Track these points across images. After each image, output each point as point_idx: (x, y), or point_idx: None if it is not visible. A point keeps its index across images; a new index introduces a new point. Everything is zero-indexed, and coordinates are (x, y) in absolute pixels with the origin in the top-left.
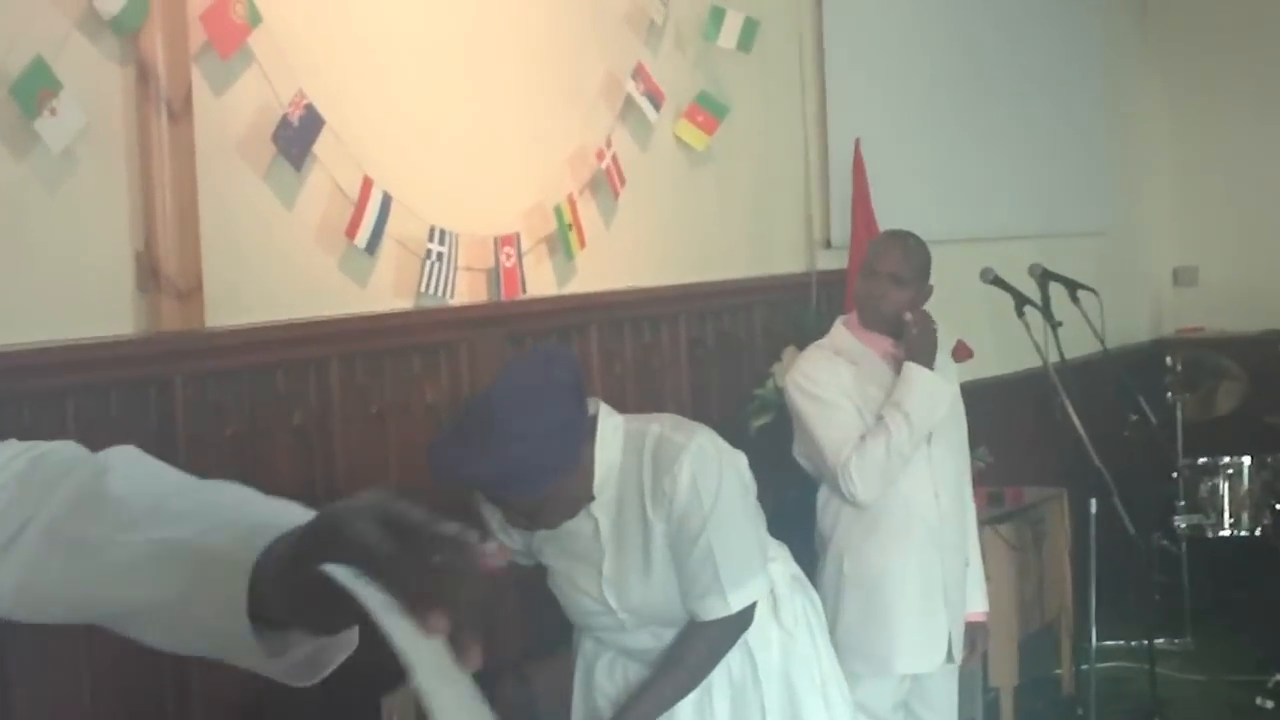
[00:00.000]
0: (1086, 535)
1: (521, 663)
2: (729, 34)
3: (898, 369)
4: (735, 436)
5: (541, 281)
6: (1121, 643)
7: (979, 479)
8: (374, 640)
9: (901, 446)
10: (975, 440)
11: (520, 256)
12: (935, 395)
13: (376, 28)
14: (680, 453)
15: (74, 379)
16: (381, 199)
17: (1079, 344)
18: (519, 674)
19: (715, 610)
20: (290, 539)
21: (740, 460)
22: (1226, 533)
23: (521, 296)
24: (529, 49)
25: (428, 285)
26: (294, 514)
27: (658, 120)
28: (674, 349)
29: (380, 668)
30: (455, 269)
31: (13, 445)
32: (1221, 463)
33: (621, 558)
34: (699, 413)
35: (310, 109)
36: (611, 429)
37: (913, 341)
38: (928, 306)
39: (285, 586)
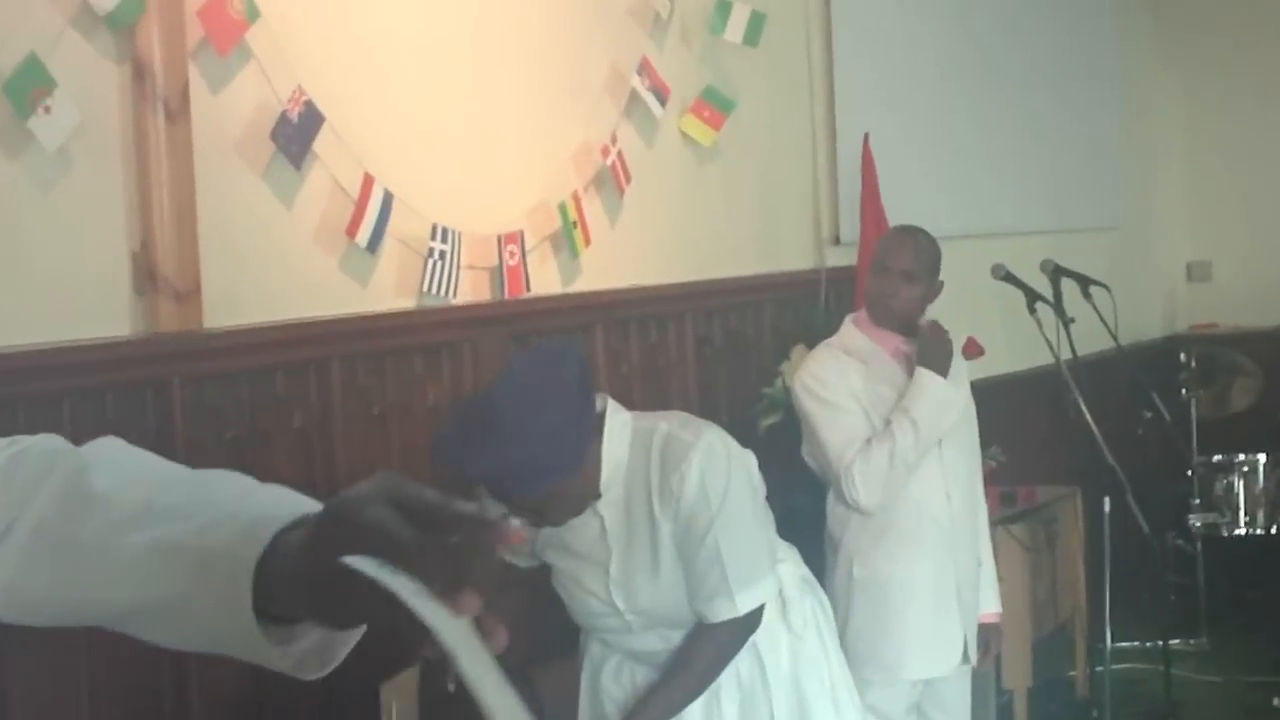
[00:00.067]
0: (1100, 535)
1: (527, 666)
2: (735, 27)
3: (908, 367)
4: (744, 436)
5: (546, 280)
6: (1136, 644)
7: (991, 478)
8: (372, 630)
9: (906, 454)
10: (987, 439)
11: (524, 255)
12: (945, 404)
13: (377, 22)
14: (689, 450)
15: (70, 382)
16: (383, 197)
17: (1092, 340)
18: (524, 678)
19: (722, 612)
20: (299, 533)
21: (749, 460)
22: (1242, 531)
23: (526, 295)
24: (532, 43)
25: (430, 284)
26: (290, 503)
27: (663, 116)
28: (681, 348)
29: (379, 657)
30: (458, 268)
31: None
32: (1237, 460)
33: (629, 557)
34: (707, 413)
35: (310, 106)
36: (619, 426)
37: (927, 347)
38: (939, 302)
39: (299, 582)
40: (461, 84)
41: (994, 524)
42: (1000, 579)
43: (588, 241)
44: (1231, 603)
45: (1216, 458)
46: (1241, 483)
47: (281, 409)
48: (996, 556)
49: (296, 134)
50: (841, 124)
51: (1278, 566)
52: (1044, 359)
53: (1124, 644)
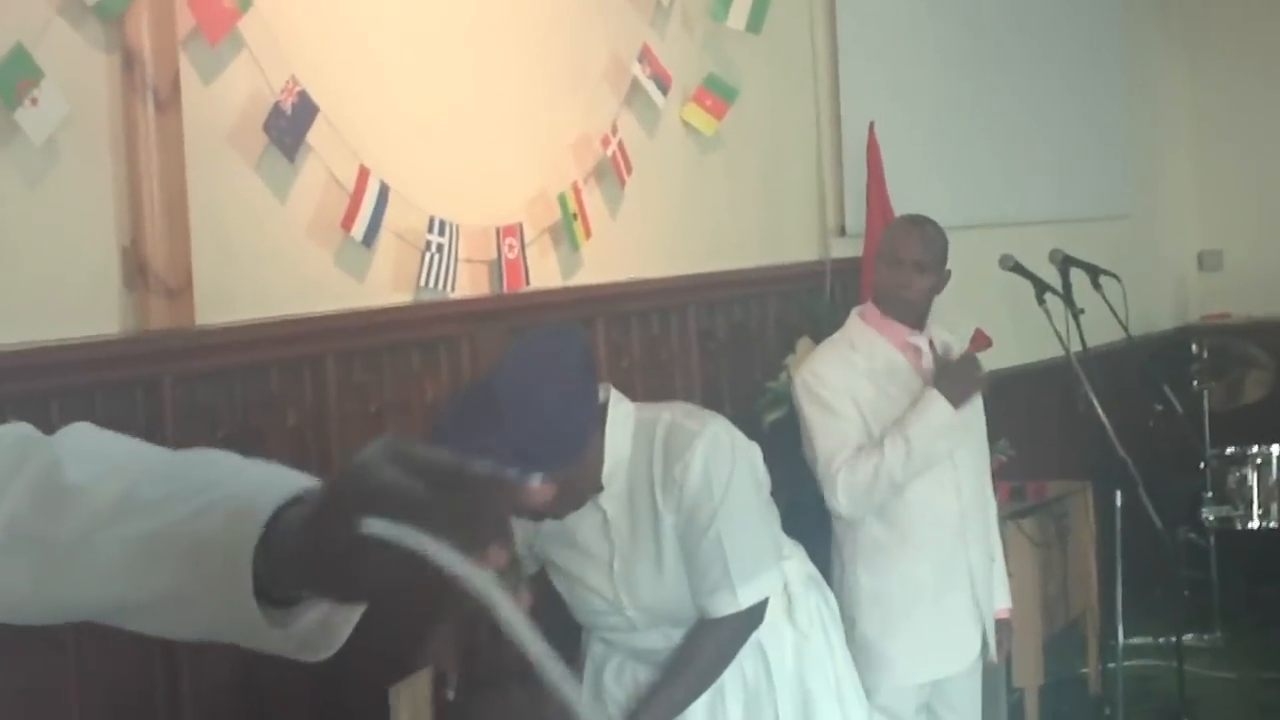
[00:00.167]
0: (1112, 529)
1: (529, 671)
2: (738, 14)
3: (915, 359)
4: (747, 431)
5: (546, 273)
6: (1149, 640)
7: (1000, 473)
8: (380, 631)
9: (893, 472)
10: (996, 433)
11: (523, 247)
12: (945, 432)
13: (372, 10)
14: (693, 440)
15: (58, 381)
16: (378, 189)
17: (1102, 332)
18: (526, 682)
19: (724, 606)
20: (301, 509)
21: (754, 453)
22: (1256, 525)
23: (525, 289)
24: (531, 31)
25: (427, 278)
26: (281, 480)
27: (665, 105)
28: (683, 342)
29: (388, 659)
30: (456, 261)
31: None
32: (1250, 452)
33: (632, 552)
34: (709, 407)
35: (303, 96)
36: (622, 416)
37: (949, 372)
38: (946, 293)
39: (306, 557)
40: (459, 73)
41: (1004, 519)
42: (1010, 575)
43: (588, 233)
44: (1245, 597)
45: (1229, 450)
46: (1255, 475)
47: (275, 407)
48: (1007, 552)
49: (290, 125)
50: (846, 112)
51: None
52: (1053, 351)
53: (1136, 640)
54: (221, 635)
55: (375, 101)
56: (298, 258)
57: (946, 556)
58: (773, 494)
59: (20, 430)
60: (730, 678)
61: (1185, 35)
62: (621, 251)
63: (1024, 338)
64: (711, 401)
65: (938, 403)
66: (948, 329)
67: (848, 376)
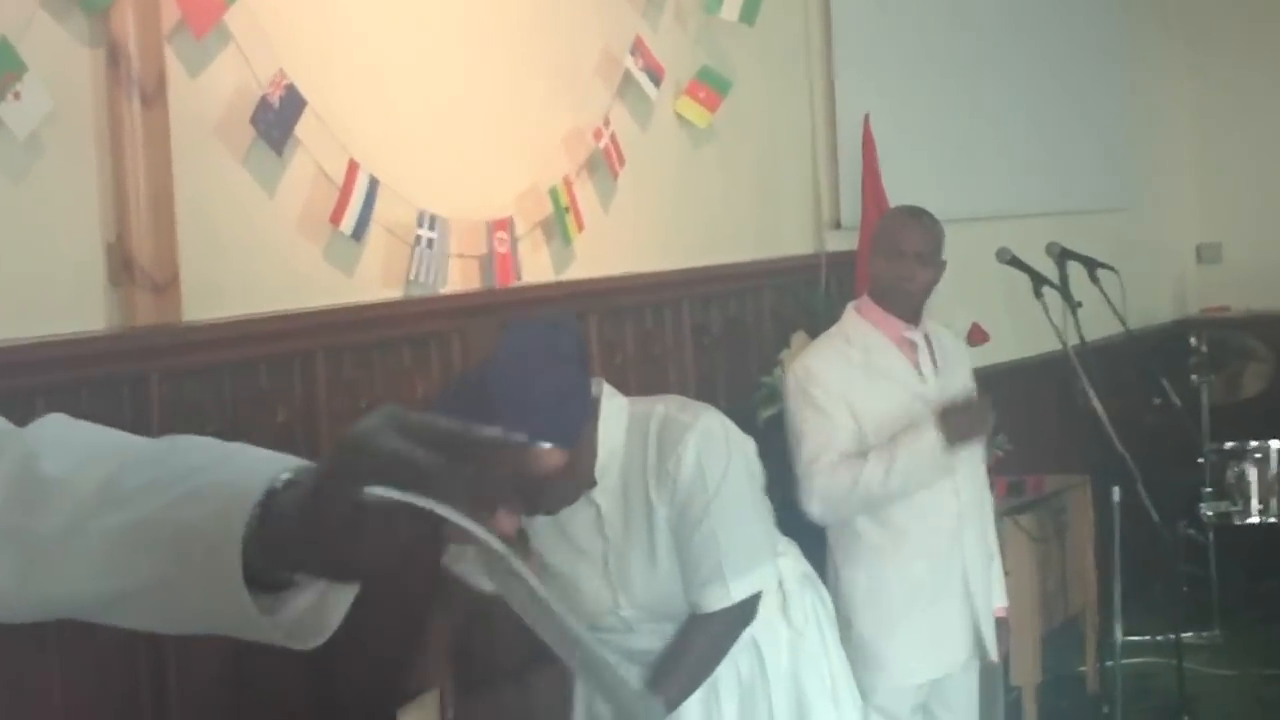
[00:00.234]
0: (1110, 525)
1: (522, 670)
2: (731, 5)
3: (910, 354)
4: (742, 427)
5: (537, 268)
6: (1148, 637)
7: (998, 468)
8: (385, 659)
9: (869, 489)
10: (993, 428)
11: (514, 242)
12: (932, 468)
13: (361, 2)
14: (686, 432)
15: (43, 378)
16: (368, 183)
17: (1099, 325)
18: (519, 682)
19: (716, 600)
20: (294, 492)
21: (749, 446)
22: (1255, 520)
23: (516, 284)
24: (522, 23)
25: (417, 273)
26: (268, 464)
27: (658, 97)
28: (677, 336)
29: (395, 683)
30: (446, 256)
31: None
32: (1249, 447)
33: (626, 547)
34: (704, 402)
35: (291, 90)
36: (615, 410)
37: (956, 414)
38: (941, 286)
39: (304, 534)
40: (449, 65)
41: (1002, 515)
42: (1008, 572)
43: (580, 227)
44: (1245, 593)
45: (1228, 444)
46: (1254, 470)
47: (264, 404)
48: (1004, 548)
49: (278, 119)
50: (841, 104)
51: None
52: (1050, 345)
53: (1135, 638)
54: (210, 626)
55: (364, 94)
56: (286, 252)
57: (943, 557)
58: (767, 491)
59: None
60: (725, 675)
61: (1185, 27)
62: (614, 245)
63: (1021, 332)
64: (706, 397)
65: (931, 435)
66: (944, 323)
67: (842, 373)
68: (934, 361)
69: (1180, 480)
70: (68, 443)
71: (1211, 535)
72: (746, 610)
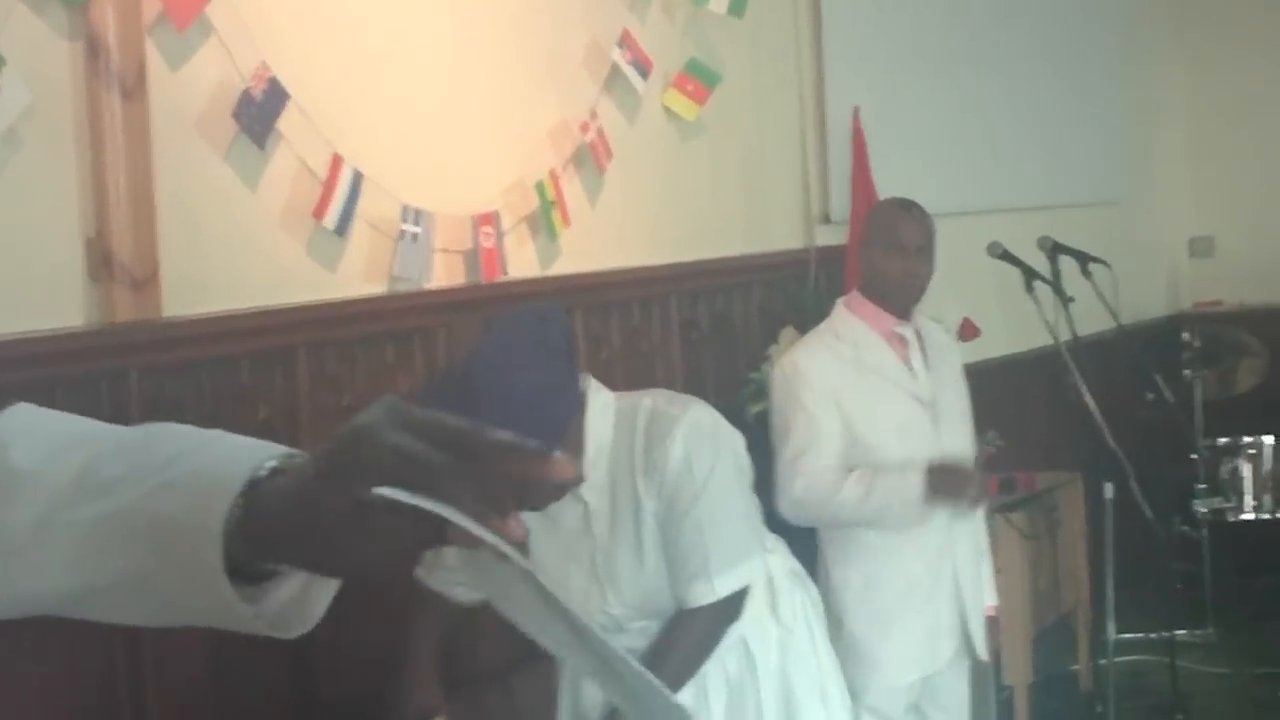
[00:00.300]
0: (1102, 522)
1: (506, 673)
2: None
3: (901, 349)
4: (730, 423)
5: (523, 263)
6: (1141, 635)
7: (989, 464)
8: (365, 651)
9: (842, 509)
10: (984, 423)
11: (500, 236)
12: (906, 511)
13: None
14: (674, 425)
15: (20, 375)
16: (351, 177)
17: (1092, 320)
18: (504, 684)
19: (702, 595)
20: (284, 480)
21: (737, 440)
22: (1249, 516)
23: (502, 279)
24: (508, 16)
25: (402, 268)
26: (246, 454)
27: (645, 90)
28: (665, 332)
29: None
30: (431, 251)
31: None
32: (1243, 443)
33: (614, 544)
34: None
35: (274, 83)
36: (601, 405)
37: (944, 469)
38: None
39: (294, 527)
40: (434, 58)
41: (993, 512)
42: (999, 570)
43: (567, 222)
44: (1239, 591)
45: (1222, 440)
46: (1248, 466)
47: (245, 400)
48: (996, 546)
49: (260, 112)
50: (831, 97)
51: None
52: (1042, 340)
53: (1128, 636)
54: (190, 617)
55: (348, 88)
56: (268, 247)
57: (935, 555)
58: (755, 487)
59: None
60: (713, 673)
61: (1179, 19)
62: (601, 240)
63: (1013, 326)
64: (694, 393)
65: (915, 484)
66: (935, 317)
67: (832, 371)
68: (924, 357)
69: (1173, 476)
70: (36, 432)
71: (1205, 532)
72: (733, 606)
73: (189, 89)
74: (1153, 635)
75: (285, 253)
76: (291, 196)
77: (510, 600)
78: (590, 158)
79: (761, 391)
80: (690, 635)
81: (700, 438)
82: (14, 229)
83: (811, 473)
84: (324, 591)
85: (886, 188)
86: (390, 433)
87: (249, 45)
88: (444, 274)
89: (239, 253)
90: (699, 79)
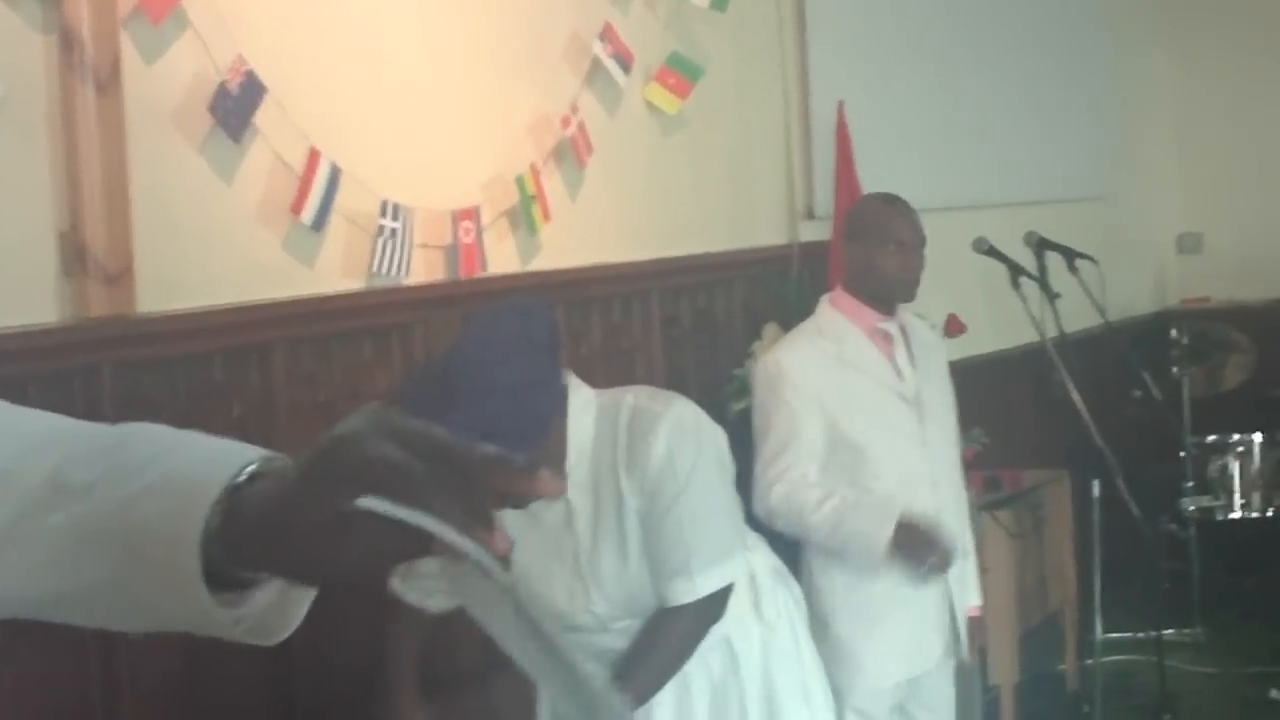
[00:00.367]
0: (1089, 520)
1: (484, 672)
2: None
3: (885, 346)
4: (713, 420)
5: (503, 258)
6: (1128, 635)
7: (975, 462)
8: (344, 655)
9: (810, 530)
10: (970, 421)
11: (480, 232)
12: (866, 558)
13: None
14: (657, 421)
15: None
16: (329, 172)
17: (1078, 317)
18: (482, 684)
19: (682, 594)
20: (266, 484)
21: (720, 437)
22: (1237, 515)
23: (481, 275)
24: (488, 8)
25: (380, 264)
26: (227, 455)
27: (627, 84)
28: (646, 328)
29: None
30: (410, 246)
31: None
32: (1231, 440)
33: (597, 542)
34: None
35: (250, 76)
36: (583, 402)
37: (915, 531)
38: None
39: (275, 535)
40: (413, 51)
41: (979, 510)
42: (984, 569)
43: (547, 217)
44: (1227, 590)
45: (1210, 438)
46: (1236, 464)
47: (220, 397)
48: (982, 544)
49: (236, 106)
50: (815, 91)
51: (1274, 551)
52: (1028, 337)
53: (1115, 635)
54: (167, 623)
55: (326, 81)
56: (244, 243)
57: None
58: (739, 487)
59: None
60: (697, 673)
61: (1169, 11)
62: (582, 235)
63: (998, 323)
64: (676, 390)
65: (882, 536)
66: (920, 314)
67: (816, 370)
68: (910, 355)
69: (1161, 474)
70: (7, 430)
71: (1193, 530)
72: (716, 605)
73: (164, 82)
74: (1140, 635)
75: (262, 248)
76: (268, 191)
77: (488, 614)
78: (571, 152)
79: (744, 388)
80: (672, 634)
81: (683, 434)
82: None
83: (792, 481)
84: (302, 598)
85: (871, 183)
86: (375, 442)
87: (225, 38)
88: (423, 270)
89: (214, 248)
90: (681, 72)
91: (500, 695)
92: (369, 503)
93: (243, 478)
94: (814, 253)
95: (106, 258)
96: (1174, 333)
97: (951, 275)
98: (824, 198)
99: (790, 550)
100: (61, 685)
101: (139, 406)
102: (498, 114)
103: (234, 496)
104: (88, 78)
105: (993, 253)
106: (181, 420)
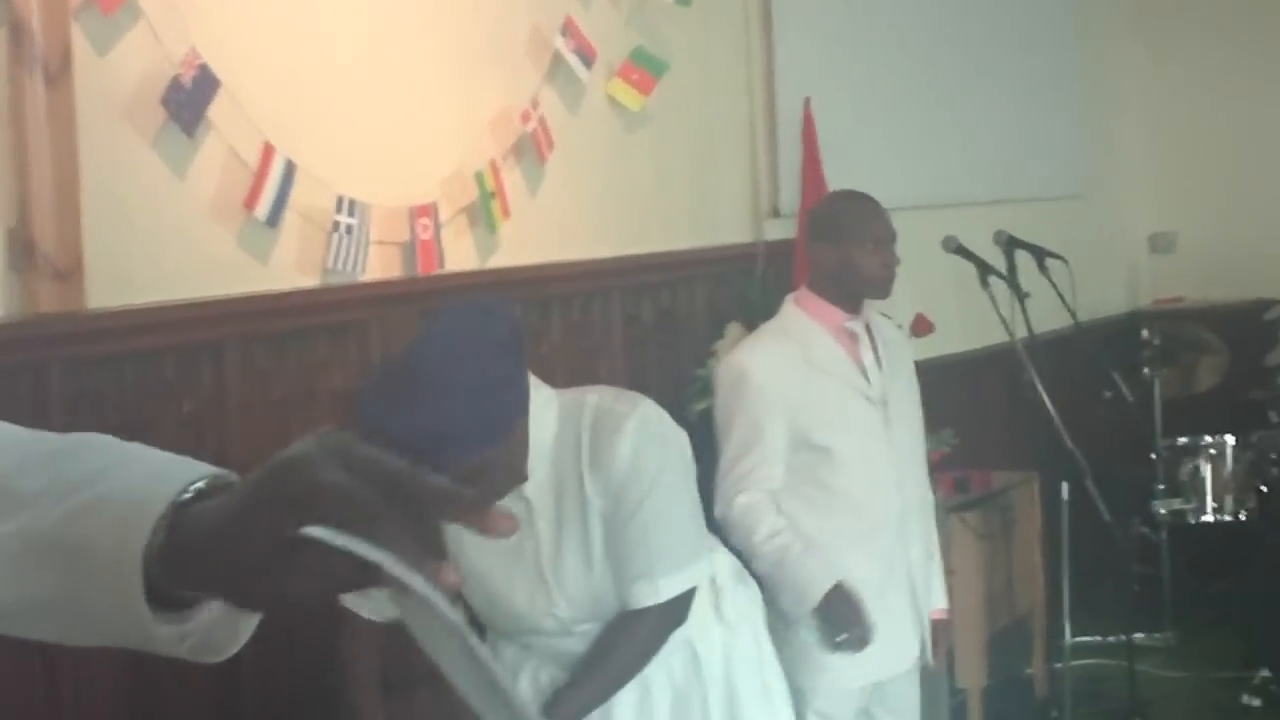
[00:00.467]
0: (1059, 523)
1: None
2: None
3: (850, 345)
4: (675, 420)
5: (461, 255)
6: (1098, 639)
7: (944, 464)
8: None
9: (754, 553)
10: (939, 422)
11: (438, 228)
12: (795, 605)
13: None
14: (622, 421)
15: None
16: (284, 167)
17: (1049, 317)
18: (435, 685)
19: (645, 597)
20: (214, 502)
21: (683, 439)
22: (1209, 518)
23: (439, 272)
24: (447, 1)
25: (336, 260)
26: (173, 472)
27: (589, 79)
28: (607, 327)
29: None
30: (366, 243)
31: None
32: (1203, 443)
33: (560, 544)
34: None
35: (204, 69)
36: (544, 402)
37: (846, 608)
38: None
39: (215, 559)
40: (370, 45)
41: (947, 512)
42: (952, 571)
43: (506, 214)
44: (1198, 594)
45: (1182, 440)
46: (1208, 466)
47: (170, 395)
48: (950, 546)
49: (189, 99)
50: (781, 88)
51: (1246, 555)
52: (998, 337)
53: (1085, 639)
54: (108, 640)
55: (281, 75)
56: (197, 238)
57: (887, 555)
58: (700, 488)
59: None
60: (657, 676)
61: (1142, 10)
62: (542, 232)
63: (968, 323)
64: (637, 390)
65: (814, 594)
66: (887, 313)
67: (779, 371)
68: (876, 355)
69: (1132, 477)
70: None
71: (1164, 534)
72: (678, 609)
73: (116, 75)
74: (1110, 638)
75: (215, 244)
76: (221, 186)
77: (435, 645)
78: (532, 148)
79: (707, 389)
80: (633, 637)
81: (649, 436)
82: None
83: (756, 495)
84: (247, 618)
85: (838, 181)
86: (326, 468)
87: (179, 30)
88: (379, 266)
89: (167, 243)
90: (645, 68)
91: (454, 696)
92: (316, 532)
93: (189, 495)
94: (779, 251)
95: (56, 253)
96: (1146, 333)
97: (920, 275)
98: (789, 196)
99: None
100: (4, 697)
101: (89, 404)
102: (457, 109)
103: (179, 513)
104: (37, 70)
105: (962, 251)
106: (132, 418)
